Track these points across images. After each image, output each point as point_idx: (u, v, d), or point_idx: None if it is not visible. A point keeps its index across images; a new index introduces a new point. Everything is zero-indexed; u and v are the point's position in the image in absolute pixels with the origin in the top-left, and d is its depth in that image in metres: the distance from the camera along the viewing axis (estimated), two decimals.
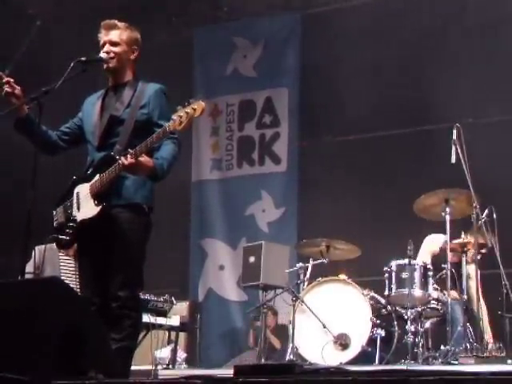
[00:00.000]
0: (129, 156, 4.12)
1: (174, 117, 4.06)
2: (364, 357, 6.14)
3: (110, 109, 4.45)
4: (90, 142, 4.48)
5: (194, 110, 4.04)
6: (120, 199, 4.30)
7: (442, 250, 6.44)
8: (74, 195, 4.41)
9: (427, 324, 6.35)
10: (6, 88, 4.29)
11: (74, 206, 4.40)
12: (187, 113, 4.03)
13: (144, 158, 4.15)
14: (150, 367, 6.24)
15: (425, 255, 6.85)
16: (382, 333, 6.26)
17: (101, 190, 4.27)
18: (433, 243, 6.91)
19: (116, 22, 4.50)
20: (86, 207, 4.33)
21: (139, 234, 4.33)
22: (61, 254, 6.91)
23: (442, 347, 5.87)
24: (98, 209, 4.26)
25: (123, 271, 4.25)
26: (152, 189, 4.40)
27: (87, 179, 4.37)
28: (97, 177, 4.30)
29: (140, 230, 4.33)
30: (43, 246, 6.63)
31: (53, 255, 6.85)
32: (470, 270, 6.29)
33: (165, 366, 6.92)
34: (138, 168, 4.16)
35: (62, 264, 6.89)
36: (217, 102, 9.80)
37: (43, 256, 6.65)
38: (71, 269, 6.84)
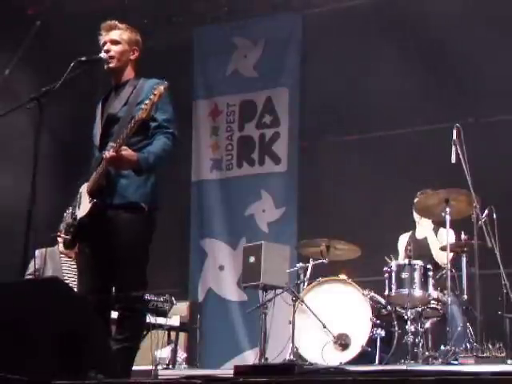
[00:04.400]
0: (111, 150, 4.14)
1: (143, 106, 4.11)
2: (364, 357, 6.14)
3: (109, 108, 4.47)
4: (93, 142, 4.50)
5: (155, 95, 4.08)
6: (118, 199, 4.30)
7: (408, 247, 6.76)
8: (78, 194, 4.47)
9: (427, 324, 6.35)
10: None
11: (77, 205, 4.46)
12: (150, 99, 4.09)
13: (127, 152, 4.16)
14: (150, 367, 6.24)
15: (401, 254, 7.07)
16: (382, 333, 6.26)
17: (94, 187, 4.31)
18: (401, 242, 7.20)
19: (116, 22, 4.53)
20: (83, 205, 4.38)
21: (139, 234, 4.31)
22: (62, 255, 6.94)
23: (442, 347, 5.87)
24: (90, 205, 4.29)
25: (124, 272, 4.25)
26: (154, 188, 4.38)
27: (89, 179, 4.40)
28: (93, 174, 4.34)
29: (139, 230, 4.31)
30: (44, 249, 6.66)
31: (54, 257, 6.88)
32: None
33: (165, 366, 6.91)
34: (121, 162, 4.17)
35: (63, 266, 6.91)
36: (217, 101, 9.80)
37: (44, 258, 6.69)
38: (73, 271, 6.87)
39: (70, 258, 6.94)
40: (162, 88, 4.12)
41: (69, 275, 6.80)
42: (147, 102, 4.10)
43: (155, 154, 4.25)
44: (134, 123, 4.14)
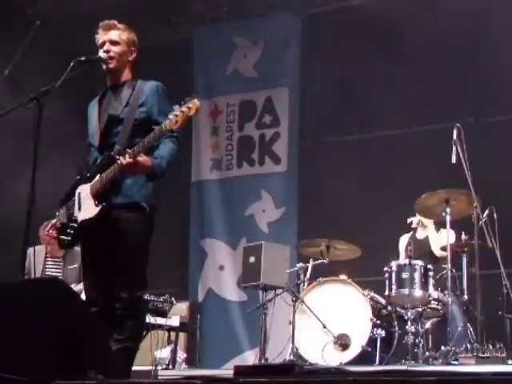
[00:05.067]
0: (127, 156, 4.12)
1: (171, 116, 4.08)
2: (364, 357, 6.14)
3: (108, 108, 4.45)
4: (91, 143, 4.49)
5: (189, 108, 4.06)
6: (121, 198, 4.29)
7: (408, 247, 6.80)
8: (76, 195, 4.42)
9: (427, 324, 6.34)
10: None
11: (76, 206, 4.41)
12: (183, 112, 4.06)
13: (142, 158, 4.15)
14: (149, 367, 6.24)
15: (401, 255, 7.08)
16: (383, 333, 6.25)
17: (100, 190, 4.27)
18: (402, 242, 7.21)
19: (115, 22, 4.51)
20: (86, 207, 4.33)
21: (141, 234, 4.31)
22: (48, 255, 6.96)
23: (443, 347, 5.87)
24: (97, 209, 4.26)
25: (126, 272, 4.24)
26: (154, 188, 4.38)
27: (88, 179, 4.37)
28: (97, 177, 4.30)
29: (142, 230, 4.31)
30: (33, 248, 6.71)
31: (39, 257, 6.95)
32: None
33: (165, 367, 6.91)
34: (137, 168, 4.17)
35: (47, 266, 6.94)
36: (217, 101, 9.79)
37: (33, 258, 6.74)
38: (57, 270, 6.88)
39: (55, 258, 6.96)
40: (198, 103, 4.08)
41: (51, 275, 6.81)
42: (178, 113, 4.05)
43: (167, 158, 4.26)
44: (159, 132, 4.12)
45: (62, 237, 4.48)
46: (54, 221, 4.64)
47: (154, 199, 4.38)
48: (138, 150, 4.13)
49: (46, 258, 6.96)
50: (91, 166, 4.45)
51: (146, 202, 4.33)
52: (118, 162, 4.16)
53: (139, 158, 4.14)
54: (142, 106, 4.37)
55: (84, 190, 4.38)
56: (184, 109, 4.06)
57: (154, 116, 4.34)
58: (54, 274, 6.86)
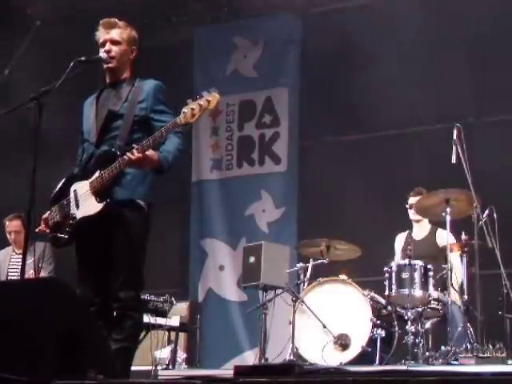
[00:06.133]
0: (135, 151, 4.11)
1: (185, 110, 4.06)
2: (364, 357, 6.13)
3: (107, 104, 4.43)
4: (87, 140, 4.46)
5: (209, 101, 4.04)
6: (120, 195, 4.26)
7: (404, 248, 6.77)
8: (71, 193, 4.37)
9: (427, 324, 6.34)
10: None
11: (72, 204, 4.34)
12: (200, 105, 4.04)
13: (150, 152, 4.14)
14: (149, 367, 6.24)
15: (397, 254, 7.06)
16: (383, 333, 6.25)
17: (103, 187, 4.23)
18: (398, 241, 7.19)
19: (116, 20, 4.51)
20: (86, 204, 4.28)
21: (139, 233, 4.30)
22: (13, 253, 7.00)
23: (443, 347, 5.87)
24: (100, 206, 4.22)
25: (124, 271, 4.23)
26: (151, 185, 4.37)
27: (84, 176, 4.33)
28: (97, 173, 4.26)
29: (140, 228, 4.30)
30: (3, 250, 6.79)
31: (5, 256, 7.01)
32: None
33: (165, 367, 6.91)
34: (145, 162, 4.16)
35: (11, 262, 6.97)
36: None
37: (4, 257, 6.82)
38: (18, 265, 6.92)
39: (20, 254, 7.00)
40: (218, 96, 4.08)
41: (16, 272, 6.81)
42: (194, 106, 4.04)
43: (173, 153, 4.25)
44: (172, 126, 4.11)
45: (59, 235, 4.43)
46: (45, 215, 4.57)
47: (151, 197, 4.37)
48: (147, 145, 4.12)
49: (11, 256, 7.03)
50: (85, 162, 4.41)
51: (144, 200, 4.32)
52: (126, 157, 4.13)
53: (147, 153, 4.13)
54: (141, 103, 4.37)
55: (81, 188, 4.32)
56: (202, 102, 4.05)
57: (154, 114, 4.34)
58: (16, 269, 6.87)
